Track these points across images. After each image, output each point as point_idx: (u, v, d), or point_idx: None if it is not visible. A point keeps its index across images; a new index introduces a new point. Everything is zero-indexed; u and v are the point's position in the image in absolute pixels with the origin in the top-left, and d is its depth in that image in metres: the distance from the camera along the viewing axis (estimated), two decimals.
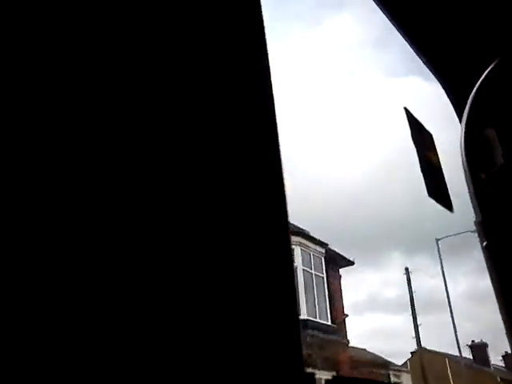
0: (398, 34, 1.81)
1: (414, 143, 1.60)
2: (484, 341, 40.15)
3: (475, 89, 1.48)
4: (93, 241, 0.48)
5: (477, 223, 1.31)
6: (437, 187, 1.58)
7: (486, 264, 1.25)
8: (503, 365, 40.40)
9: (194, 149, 0.61)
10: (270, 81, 0.75)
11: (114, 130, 0.54)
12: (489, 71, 1.48)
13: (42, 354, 0.42)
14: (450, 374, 30.83)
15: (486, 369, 34.28)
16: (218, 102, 0.67)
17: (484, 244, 1.26)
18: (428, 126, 1.78)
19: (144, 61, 0.60)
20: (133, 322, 0.49)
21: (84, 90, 0.53)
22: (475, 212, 1.34)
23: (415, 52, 1.82)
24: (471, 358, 36.87)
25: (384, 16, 1.71)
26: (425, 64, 1.83)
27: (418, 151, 1.59)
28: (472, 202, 1.36)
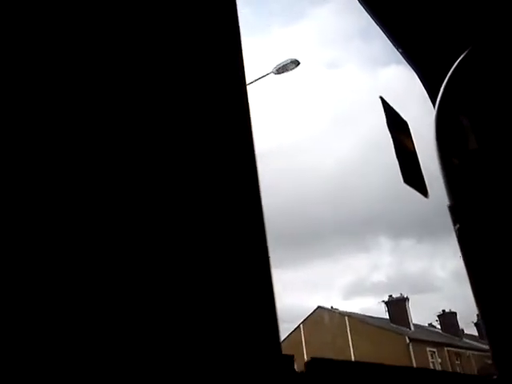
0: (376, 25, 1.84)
1: (390, 131, 1.63)
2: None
3: (447, 77, 1.51)
4: (84, 243, 0.49)
5: (449, 207, 1.34)
6: (412, 174, 1.61)
7: (459, 246, 1.29)
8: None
9: (165, 144, 0.62)
10: (244, 76, 0.76)
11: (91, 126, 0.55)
12: (460, 60, 1.51)
13: (42, 352, 0.43)
14: (348, 331, 29.26)
15: (399, 329, 32.00)
16: (190, 99, 0.68)
17: (456, 227, 1.29)
18: (405, 114, 1.82)
19: (119, 61, 0.60)
20: (122, 316, 0.50)
21: (75, 91, 0.54)
22: (448, 196, 1.37)
23: (391, 42, 1.85)
24: (388, 318, 34.34)
25: (361, 7, 1.74)
26: (401, 54, 1.86)
27: (393, 139, 1.62)
28: (445, 186, 1.40)
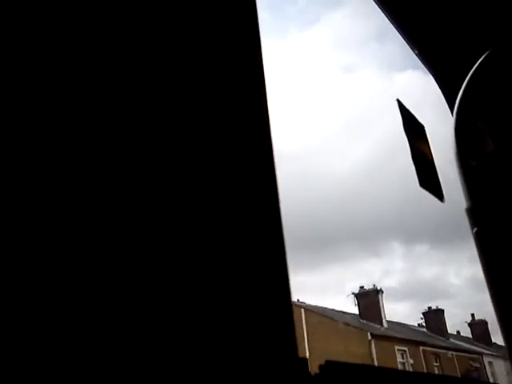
0: (393, 28, 1.83)
1: (407, 135, 1.61)
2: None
3: (466, 81, 1.49)
4: (87, 241, 0.48)
5: (467, 210, 1.32)
6: (428, 178, 1.59)
7: (477, 250, 1.26)
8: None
9: (186, 147, 0.61)
10: (264, 79, 0.76)
11: (108, 128, 0.54)
12: (479, 64, 1.50)
13: (42, 352, 0.42)
14: (304, 325, 26.00)
15: (367, 325, 28.96)
16: (212, 101, 0.67)
17: (474, 231, 1.27)
18: (421, 118, 1.80)
19: (137, 61, 0.60)
20: (127, 317, 0.49)
21: (77, 91, 0.53)
22: (465, 199, 1.35)
23: (409, 45, 1.84)
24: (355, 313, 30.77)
25: (379, 10, 1.73)
26: (417, 56, 1.84)
27: (410, 143, 1.60)
28: (462, 189, 1.38)
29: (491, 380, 32.54)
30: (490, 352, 35.79)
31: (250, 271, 0.63)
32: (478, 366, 33.50)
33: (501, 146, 1.32)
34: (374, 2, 1.60)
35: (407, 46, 1.91)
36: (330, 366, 0.71)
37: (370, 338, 26.55)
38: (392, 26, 1.68)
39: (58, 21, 0.54)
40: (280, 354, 0.62)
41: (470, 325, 39.19)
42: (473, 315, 39.71)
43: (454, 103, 1.50)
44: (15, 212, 0.44)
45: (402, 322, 35.20)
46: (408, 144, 1.61)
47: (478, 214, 1.29)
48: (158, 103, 0.60)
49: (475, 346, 36.98)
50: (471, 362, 33.03)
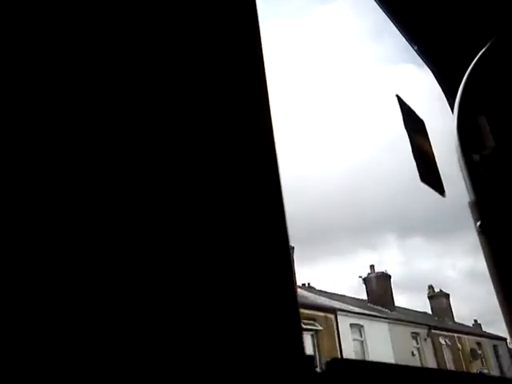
0: (391, 22, 1.82)
1: (407, 130, 1.60)
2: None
3: (466, 75, 1.49)
4: (87, 241, 0.48)
5: (471, 203, 1.32)
6: (429, 173, 1.59)
7: (480, 243, 1.26)
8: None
9: (188, 149, 0.61)
10: (266, 80, 0.75)
11: (109, 129, 0.54)
12: (478, 58, 1.49)
13: (42, 353, 0.42)
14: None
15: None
16: (213, 101, 0.67)
17: (478, 224, 1.27)
18: (421, 114, 1.79)
19: (138, 60, 0.59)
20: (129, 319, 0.48)
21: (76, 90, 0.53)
22: (469, 193, 1.35)
23: (407, 40, 1.83)
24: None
25: (376, 5, 1.72)
26: (417, 53, 1.84)
27: (410, 138, 1.59)
28: (465, 183, 1.37)
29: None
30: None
31: (255, 268, 0.62)
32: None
33: (502, 140, 1.31)
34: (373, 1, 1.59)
35: (405, 42, 1.91)
36: (336, 364, 0.71)
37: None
38: (390, 21, 1.68)
39: (54, 21, 0.53)
40: (286, 352, 0.62)
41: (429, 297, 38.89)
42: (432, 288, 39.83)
43: (454, 98, 1.49)
44: (15, 212, 0.44)
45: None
46: (408, 139, 1.61)
47: (482, 208, 1.29)
48: (155, 102, 0.59)
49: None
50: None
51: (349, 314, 24.45)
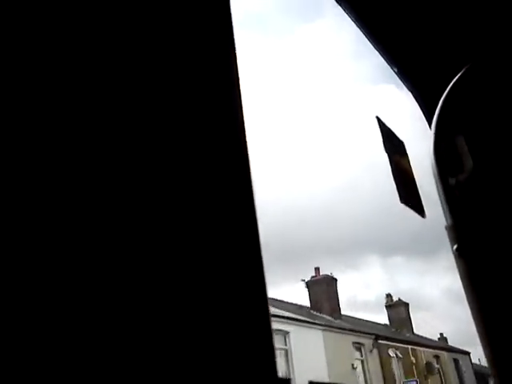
0: (370, 43, 1.85)
1: (386, 151, 1.62)
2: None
3: (443, 96, 1.51)
4: (78, 240, 0.48)
5: (447, 227, 1.33)
6: (409, 194, 1.60)
7: (457, 267, 1.27)
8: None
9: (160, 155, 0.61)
10: (240, 90, 0.75)
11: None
12: (456, 80, 1.52)
13: (42, 353, 0.42)
14: None
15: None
16: (184, 109, 0.67)
17: (454, 247, 1.28)
18: (400, 134, 1.81)
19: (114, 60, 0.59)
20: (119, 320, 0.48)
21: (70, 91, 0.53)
22: (445, 216, 1.36)
23: (386, 62, 1.86)
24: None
25: (355, 26, 1.74)
26: (396, 74, 1.86)
27: (390, 159, 1.61)
28: (442, 206, 1.39)
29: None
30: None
31: (226, 287, 0.62)
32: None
33: (479, 162, 1.33)
34: (352, 22, 1.61)
35: (385, 63, 1.94)
36: None
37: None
38: (370, 43, 1.70)
39: (49, 21, 0.54)
40: (258, 375, 0.61)
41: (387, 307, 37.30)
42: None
43: (432, 119, 1.51)
44: (14, 212, 0.44)
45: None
46: (388, 161, 1.63)
47: (458, 232, 1.30)
48: (128, 102, 0.59)
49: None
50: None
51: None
